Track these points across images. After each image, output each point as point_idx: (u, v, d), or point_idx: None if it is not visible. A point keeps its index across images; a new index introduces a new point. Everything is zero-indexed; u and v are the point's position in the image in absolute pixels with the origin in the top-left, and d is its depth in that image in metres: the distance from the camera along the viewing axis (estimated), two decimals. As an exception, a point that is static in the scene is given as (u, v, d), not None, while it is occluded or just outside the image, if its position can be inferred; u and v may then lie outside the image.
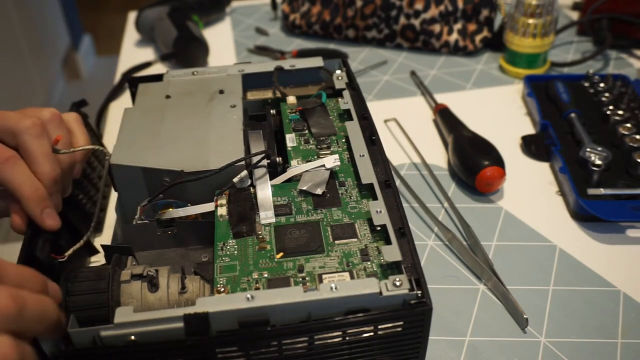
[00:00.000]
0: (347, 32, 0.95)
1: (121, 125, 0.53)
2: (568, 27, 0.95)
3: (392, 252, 0.40)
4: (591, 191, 0.61)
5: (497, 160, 0.64)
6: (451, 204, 0.63)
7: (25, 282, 0.36)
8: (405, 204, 0.65)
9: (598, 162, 0.63)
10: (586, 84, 0.79)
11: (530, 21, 0.82)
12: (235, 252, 0.43)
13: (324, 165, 0.49)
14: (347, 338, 0.39)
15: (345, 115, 0.56)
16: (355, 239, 0.44)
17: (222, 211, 0.47)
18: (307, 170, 0.49)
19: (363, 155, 0.49)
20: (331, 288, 0.38)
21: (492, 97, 0.83)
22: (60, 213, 0.46)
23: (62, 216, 0.46)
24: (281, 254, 0.43)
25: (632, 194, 0.61)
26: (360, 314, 0.38)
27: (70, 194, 0.50)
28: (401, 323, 0.39)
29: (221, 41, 1.00)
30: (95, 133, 0.63)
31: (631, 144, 0.66)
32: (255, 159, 0.49)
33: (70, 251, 0.46)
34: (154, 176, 0.48)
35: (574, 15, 1.03)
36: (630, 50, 0.92)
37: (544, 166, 0.70)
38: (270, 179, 0.49)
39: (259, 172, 0.49)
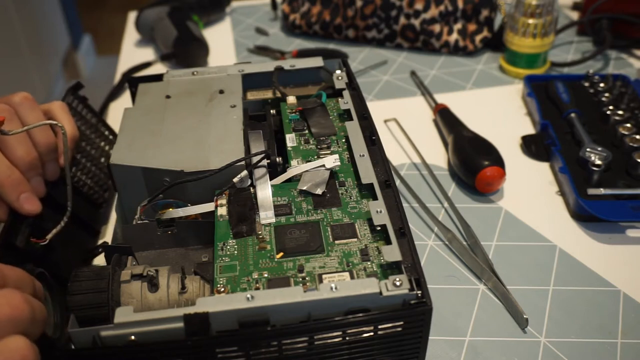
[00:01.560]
0: (347, 32, 0.95)
1: (121, 125, 0.53)
2: (568, 27, 0.95)
3: (392, 252, 0.40)
4: (591, 191, 0.61)
5: (497, 160, 0.64)
6: (451, 204, 0.63)
7: (23, 285, 0.36)
8: (405, 204, 0.65)
9: (598, 162, 0.63)
10: (586, 84, 0.79)
11: (530, 21, 0.82)
12: (235, 252, 0.43)
13: (324, 165, 0.49)
14: (347, 338, 0.39)
15: (345, 115, 0.56)
16: (355, 239, 0.44)
17: (222, 211, 0.47)
18: (307, 170, 0.49)
19: (363, 155, 0.49)
20: (331, 288, 0.38)
21: (492, 97, 0.83)
22: (49, 196, 0.46)
23: (50, 199, 0.46)
24: (281, 254, 0.43)
25: (632, 194, 0.61)
26: (360, 314, 0.38)
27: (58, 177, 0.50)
28: (401, 323, 0.39)
29: (221, 41, 1.00)
30: (96, 113, 0.63)
31: (631, 144, 0.66)
32: (255, 159, 0.49)
33: (50, 235, 0.46)
34: (154, 176, 0.48)
35: (574, 15, 1.03)
36: (630, 50, 0.92)
37: (544, 166, 0.70)
38: (270, 179, 0.49)
39: (259, 172, 0.49)
